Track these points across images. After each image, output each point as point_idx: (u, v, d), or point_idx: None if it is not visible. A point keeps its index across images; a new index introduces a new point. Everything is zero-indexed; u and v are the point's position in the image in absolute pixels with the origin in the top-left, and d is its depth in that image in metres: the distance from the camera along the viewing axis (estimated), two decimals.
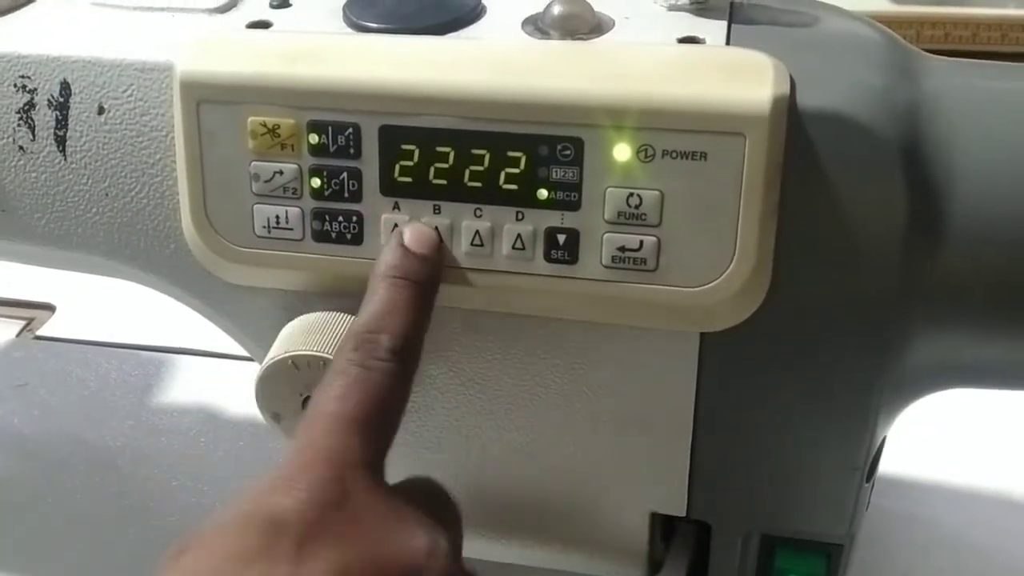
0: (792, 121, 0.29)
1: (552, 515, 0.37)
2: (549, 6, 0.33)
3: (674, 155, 0.30)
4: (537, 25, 0.33)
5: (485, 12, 0.34)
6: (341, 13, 0.34)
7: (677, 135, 0.30)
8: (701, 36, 0.32)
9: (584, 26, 0.33)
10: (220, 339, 0.58)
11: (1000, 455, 0.51)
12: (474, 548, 0.38)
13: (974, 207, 0.30)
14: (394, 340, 0.30)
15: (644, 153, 0.30)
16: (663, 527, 0.38)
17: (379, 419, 0.29)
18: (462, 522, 0.31)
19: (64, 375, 0.58)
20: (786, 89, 0.29)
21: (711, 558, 0.37)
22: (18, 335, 0.62)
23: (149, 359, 0.59)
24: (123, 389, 0.57)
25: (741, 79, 0.29)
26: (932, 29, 1.16)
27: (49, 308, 0.64)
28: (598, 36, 0.33)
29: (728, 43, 0.32)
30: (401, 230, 0.32)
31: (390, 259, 0.31)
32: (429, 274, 0.31)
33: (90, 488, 0.51)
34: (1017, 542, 0.46)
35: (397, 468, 0.38)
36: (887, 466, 0.49)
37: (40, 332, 0.63)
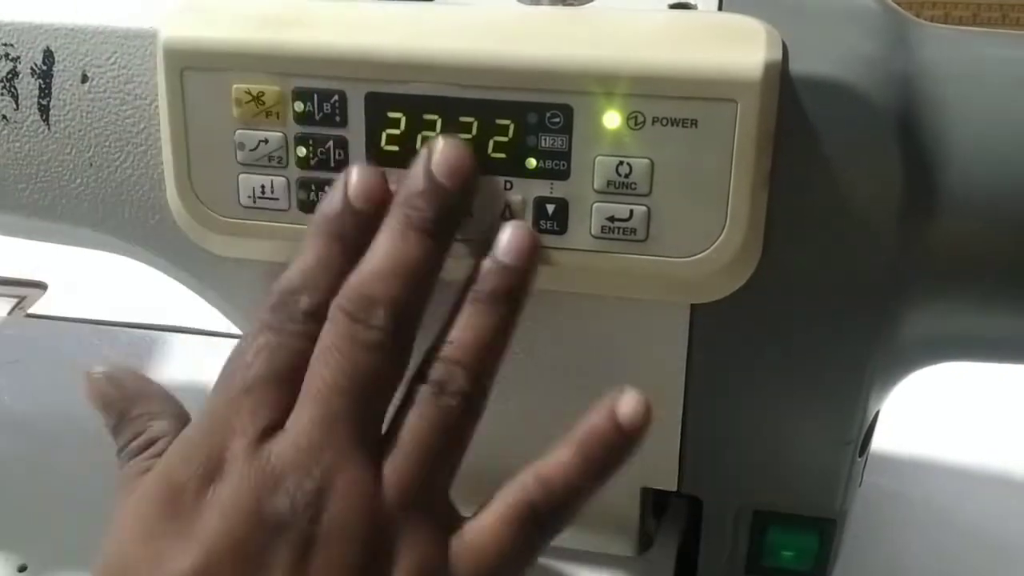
0: (785, 88, 0.29)
1: None
2: None
3: (664, 122, 0.29)
4: None
5: None
6: None
7: (667, 102, 0.29)
8: (692, 2, 0.32)
9: None
10: (211, 317, 0.58)
11: (992, 432, 0.51)
12: None
13: (971, 177, 0.29)
14: (313, 301, 0.29)
15: (634, 120, 0.29)
16: (654, 502, 0.38)
17: (279, 389, 0.28)
18: None
19: (56, 352, 0.58)
20: (778, 55, 0.29)
21: (702, 534, 0.37)
22: (10, 313, 0.62)
23: (141, 337, 0.59)
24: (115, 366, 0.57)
25: (733, 45, 0.29)
26: (932, 9, 1.16)
27: (41, 287, 0.64)
28: (588, 2, 0.32)
29: (720, 9, 0.31)
30: (345, 174, 0.30)
31: (326, 210, 0.30)
32: (368, 226, 0.29)
33: (82, 463, 0.51)
34: (1010, 519, 0.46)
35: None
36: (879, 443, 0.49)
37: (32, 310, 0.62)
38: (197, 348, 0.58)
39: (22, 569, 0.45)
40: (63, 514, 0.48)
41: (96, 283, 0.63)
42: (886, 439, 0.49)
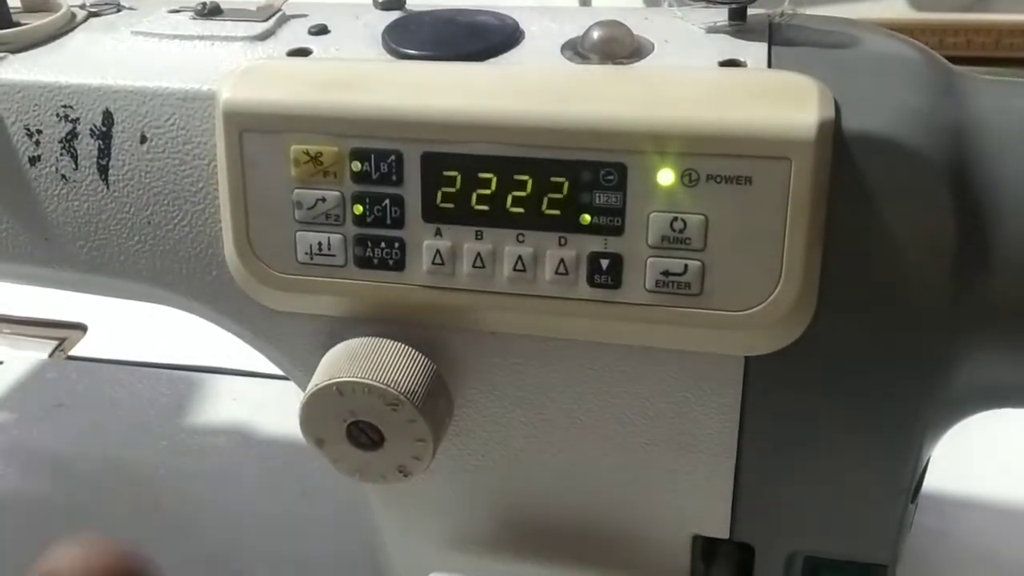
0: (838, 145, 0.29)
1: (593, 537, 0.37)
2: (588, 30, 0.33)
3: (718, 180, 0.30)
4: (576, 49, 0.33)
5: (524, 37, 0.34)
6: (380, 39, 0.34)
7: (721, 160, 0.29)
8: (742, 59, 0.32)
9: (623, 50, 0.33)
10: (252, 358, 0.58)
11: None
12: (513, 571, 0.39)
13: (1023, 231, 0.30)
14: None
15: (688, 178, 0.30)
16: (704, 548, 0.38)
17: None
18: None
19: (97, 395, 0.59)
20: (831, 113, 0.29)
21: None
22: (51, 355, 0.63)
23: (181, 378, 0.60)
24: (156, 409, 0.58)
25: (786, 103, 0.29)
26: (954, 36, 1.16)
27: (81, 328, 0.65)
28: (638, 60, 0.33)
29: (770, 65, 0.32)
30: None
31: None
32: None
33: (126, 508, 0.51)
34: None
35: (440, 491, 0.38)
36: (926, 483, 0.49)
37: (72, 352, 0.63)
38: (237, 389, 0.59)
39: None
40: None
41: (136, 324, 0.64)
42: (932, 478, 0.49)
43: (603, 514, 0.37)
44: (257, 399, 0.58)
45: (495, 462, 0.36)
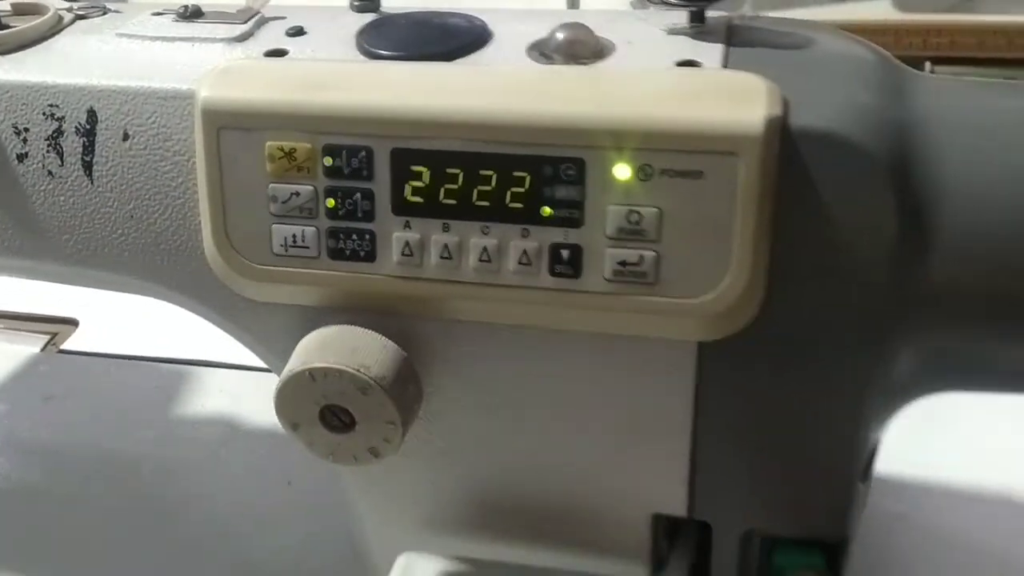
0: (785, 141, 0.31)
1: (559, 516, 0.39)
2: (553, 32, 0.35)
3: (671, 174, 0.31)
4: (542, 51, 0.35)
5: (492, 38, 0.36)
6: (354, 41, 0.36)
7: (674, 155, 0.31)
8: (699, 59, 0.34)
9: (586, 51, 0.35)
10: (237, 351, 0.60)
11: (992, 455, 0.52)
12: (484, 550, 0.40)
13: (962, 220, 0.31)
14: None
15: (643, 172, 0.31)
16: (667, 527, 0.39)
17: None
18: None
19: (88, 388, 0.60)
20: (779, 110, 0.31)
21: (712, 557, 0.39)
22: (43, 349, 0.64)
23: (169, 371, 0.61)
24: (145, 401, 0.59)
25: (735, 101, 0.31)
26: (938, 37, 1.17)
27: (72, 323, 0.66)
28: (600, 60, 0.34)
29: (725, 66, 0.33)
30: None
31: None
32: None
33: (115, 496, 0.53)
34: (1012, 540, 0.47)
35: (413, 474, 0.39)
36: (884, 467, 0.50)
37: (64, 346, 0.64)
38: (223, 381, 0.60)
39: None
40: (96, 542, 0.50)
41: (125, 319, 0.65)
42: (890, 464, 0.50)
43: (568, 495, 0.38)
44: (243, 390, 0.59)
45: (464, 446, 0.38)
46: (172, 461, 0.55)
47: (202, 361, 0.62)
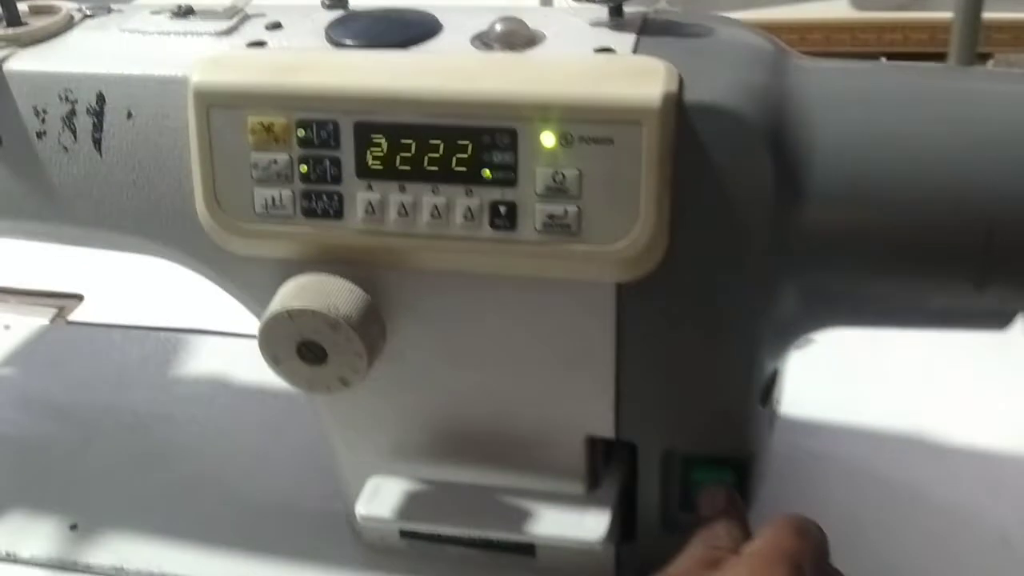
0: (680, 113, 0.37)
1: (506, 441, 0.45)
2: (493, 24, 0.41)
3: (588, 141, 0.37)
4: (483, 40, 0.41)
5: (441, 30, 0.42)
6: (323, 33, 0.42)
7: (590, 125, 0.37)
8: (613, 47, 0.40)
9: (520, 40, 0.41)
10: (227, 321, 0.67)
11: (903, 397, 0.59)
12: (441, 472, 0.46)
13: (829, 176, 0.37)
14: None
15: (565, 140, 0.37)
16: (602, 451, 0.45)
17: None
18: None
19: (94, 353, 0.66)
20: (675, 87, 0.37)
21: (639, 476, 0.45)
22: (51, 321, 0.70)
23: (166, 338, 0.67)
24: (144, 363, 0.65)
25: (639, 80, 0.37)
26: (892, 33, 1.24)
27: (78, 297, 0.72)
28: (531, 48, 0.41)
29: (635, 52, 0.40)
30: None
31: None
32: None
33: (119, 447, 0.59)
34: (919, 470, 0.54)
35: (378, 408, 0.45)
36: (804, 410, 0.57)
37: (70, 318, 0.70)
38: (214, 347, 0.66)
39: (73, 527, 0.53)
40: (103, 484, 0.56)
41: (127, 294, 0.71)
42: (814, 406, 0.57)
43: (513, 422, 0.44)
44: (232, 354, 0.65)
45: (420, 381, 0.44)
46: (169, 414, 0.61)
47: (195, 329, 0.68)
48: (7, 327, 0.69)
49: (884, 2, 1.24)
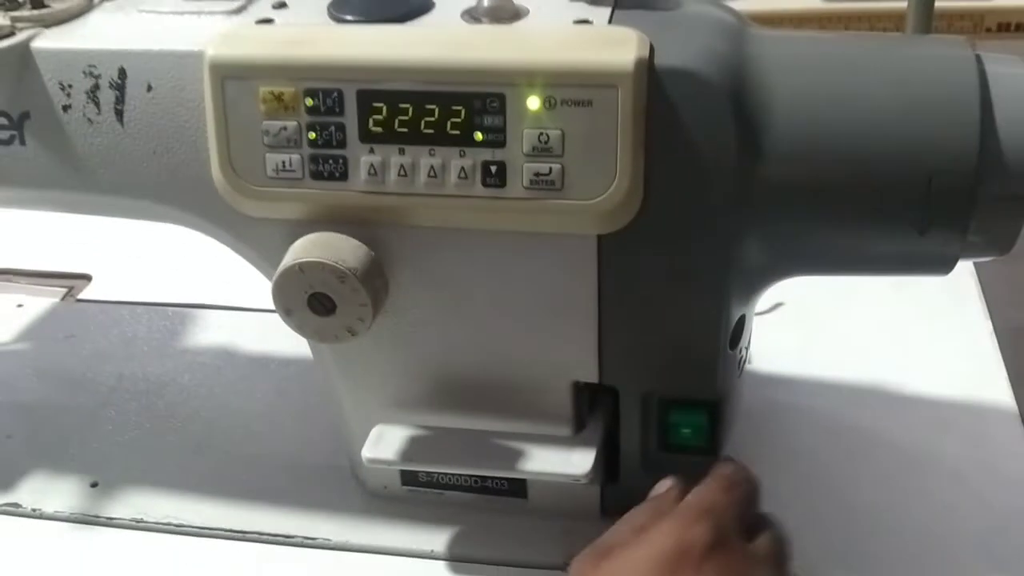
0: (652, 76, 0.41)
1: (499, 389, 0.49)
2: (480, 0, 0.45)
3: (570, 104, 0.41)
4: (472, 14, 0.45)
5: (434, 6, 0.46)
6: (326, 10, 0.46)
7: (571, 89, 0.41)
8: (591, 19, 0.44)
9: (506, 14, 0.45)
10: (230, 296, 0.70)
11: (861, 350, 0.63)
12: (440, 419, 0.50)
13: (785, 133, 0.41)
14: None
15: (549, 103, 0.41)
16: (588, 396, 0.49)
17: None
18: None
19: (103, 327, 0.70)
20: (646, 54, 0.41)
21: (621, 419, 0.49)
22: (62, 299, 0.74)
23: (173, 312, 0.71)
24: (153, 335, 0.69)
25: (614, 48, 0.41)
26: (859, 22, 1.29)
27: (87, 278, 0.76)
28: (517, 21, 0.44)
29: (610, 23, 0.44)
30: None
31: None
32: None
33: (133, 409, 0.62)
34: (877, 417, 0.58)
35: (380, 359, 0.49)
36: (773, 365, 0.61)
37: (80, 297, 0.74)
38: (221, 319, 0.70)
39: (94, 485, 0.57)
40: (119, 446, 0.60)
41: (133, 274, 0.75)
42: (786, 360, 0.61)
43: (505, 370, 0.48)
44: (236, 326, 0.68)
45: (420, 332, 0.48)
46: (178, 381, 0.64)
47: (199, 304, 0.71)
48: (20, 305, 0.73)
49: None
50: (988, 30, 1.27)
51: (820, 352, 0.63)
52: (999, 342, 0.63)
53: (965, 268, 0.69)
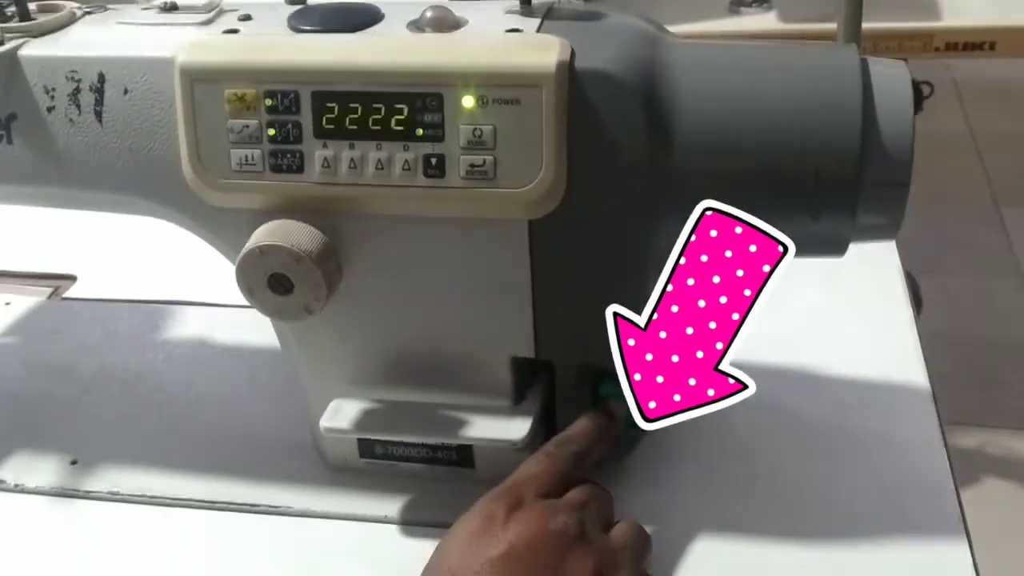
0: (572, 77, 0.46)
1: (445, 365, 0.53)
2: (424, 12, 0.50)
3: (500, 102, 0.46)
4: (417, 25, 0.50)
5: (383, 18, 0.51)
6: (286, 22, 0.51)
7: (501, 89, 0.46)
8: (521, 28, 0.49)
9: (447, 25, 0.50)
10: (207, 294, 0.74)
11: (790, 336, 0.67)
12: (391, 393, 0.55)
13: (691, 128, 0.47)
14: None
15: (482, 101, 0.46)
16: (528, 371, 0.54)
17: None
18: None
19: (87, 323, 0.74)
20: (567, 57, 0.46)
21: (557, 392, 0.54)
22: (48, 298, 0.78)
23: (153, 309, 0.75)
24: (134, 329, 0.73)
25: (539, 52, 0.46)
26: (814, 41, 1.35)
27: (71, 278, 0.80)
28: (456, 30, 0.50)
29: (538, 32, 0.49)
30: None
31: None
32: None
33: (112, 395, 0.67)
34: (801, 396, 0.62)
35: (335, 337, 0.54)
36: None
37: (65, 295, 0.78)
38: (195, 316, 0.74)
39: (73, 463, 0.61)
40: (98, 428, 0.64)
41: (117, 275, 0.79)
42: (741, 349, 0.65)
43: (449, 347, 0.53)
44: (212, 321, 0.73)
45: (371, 314, 0.53)
46: (157, 370, 0.69)
47: (178, 301, 0.76)
48: (7, 303, 0.77)
49: (807, 14, 1.34)
50: (937, 49, 1.33)
51: (751, 337, 0.67)
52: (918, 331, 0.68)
53: (892, 264, 0.74)
